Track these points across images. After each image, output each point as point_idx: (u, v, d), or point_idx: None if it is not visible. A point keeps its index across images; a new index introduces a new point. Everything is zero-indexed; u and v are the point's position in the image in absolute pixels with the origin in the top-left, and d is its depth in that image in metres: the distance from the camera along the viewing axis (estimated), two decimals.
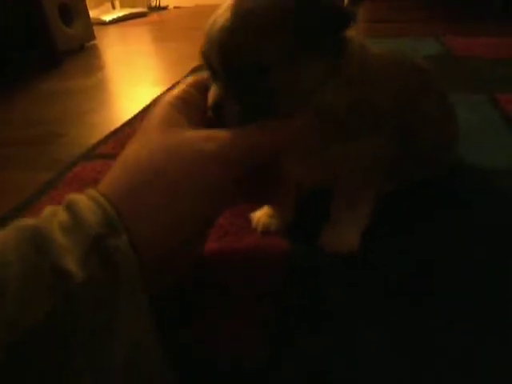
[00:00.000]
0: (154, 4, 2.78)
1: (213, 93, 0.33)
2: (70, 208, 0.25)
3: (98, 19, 2.29)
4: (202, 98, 0.34)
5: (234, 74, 0.32)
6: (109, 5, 2.69)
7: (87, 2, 1.70)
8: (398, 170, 0.43)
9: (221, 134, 0.30)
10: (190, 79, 0.36)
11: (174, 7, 2.80)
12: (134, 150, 0.29)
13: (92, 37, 1.71)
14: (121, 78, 1.19)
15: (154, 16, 2.53)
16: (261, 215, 0.45)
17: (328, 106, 0.35)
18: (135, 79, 1.15)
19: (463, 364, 0.30)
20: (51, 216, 0.24)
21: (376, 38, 1.33)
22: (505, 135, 0.63)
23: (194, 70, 1.09)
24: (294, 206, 0.46)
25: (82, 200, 0.25)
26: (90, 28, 1.69)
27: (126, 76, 1.20)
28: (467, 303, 0.35)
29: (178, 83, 1.02)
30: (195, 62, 1.15)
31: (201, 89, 0.35)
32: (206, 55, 0.34)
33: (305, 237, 0.43)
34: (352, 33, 0.37)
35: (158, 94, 0.93)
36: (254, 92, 0.32)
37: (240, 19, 0.31)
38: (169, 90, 0.93)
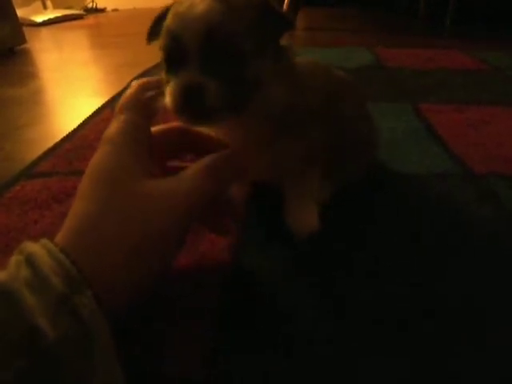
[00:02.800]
0: (90, 6, 2.67)
1: (185, 77, 0.32)
2: (31, 263, 0.25)
3: (28, 19, 2.16)
4: (142, 120, 0.34)
5: (214, 59, 0.32)
6: (39, 4, 2.54)
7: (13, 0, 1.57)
8: (332, 169, 0.48)
9: (181, 189, 0.31)
10: (123, 102, 0.35)
11: (112, 10, 2.71)
12: (90, 206, 0.29)
13: (22, 40, 1.60)
14: (57, 88, 1.14)
15: (91, 19, 2.44)
16: None
17: (269, 105, 0.38)
18: (72, 89, 1.11)
19: None
20: (16, 270, 0.24)
21: (313, 46, 1.40)
22: (426, 143, 0.70)
23: (133, 80, 1.08)
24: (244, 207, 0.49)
25: (41, 256, 0.25)
26: (19, 30, 1.58)
27: (62, 85, 1.15)
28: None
29: (118, 94, 1.00)
30: (135, 70, 1.14)
31: (137, 108, 0.34)
32: (178, 34, 0.32)
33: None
34: (288, 42, 0.41)
35: (97, 105, 0.91)
36: (232, 79, 0.32)
37: (226, 5, 0.32)
38: (110, 101, 0.92)
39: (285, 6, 1.73)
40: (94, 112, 0.87)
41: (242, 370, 0.32)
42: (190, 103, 0.32)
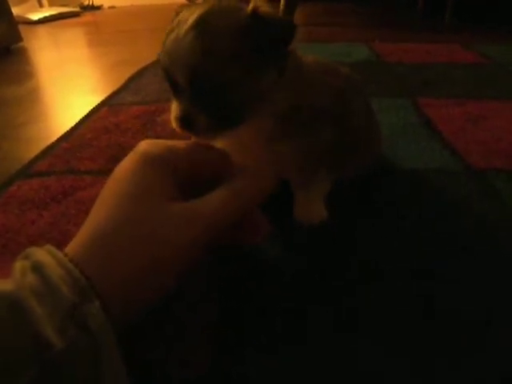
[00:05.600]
0: (86, 3, 2.65)
1: (177, 106, 0.36)
2: (39, 271, 0.24)
3: (24, 17, 2.15)
4: (187, 165, 0.34)
5: (200, 90, 0.35)
6: (34, 1, 2.52)
7: None
8: (338, 163, 0.50)
9: (206, 210, 0.31)
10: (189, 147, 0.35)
11: (109, 7, 2.69)
12: (108, 219, 0.29)
13: (18, 38, 1.59)
14: (54, 87, 1.14)
15: (87, 16, 2.42)
16: None
17: (273, 109, 0.40)
18: (70, 87, 1.11)
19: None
20: (22, 277, 0.24)
21: (312, 42, 1.39)
22: (425, 138, 0.69)
23: (131, 78, 1.07)
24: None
25: (49, 264, 0.25)
26: (15, 28, 1.57)
27: (59, 84, 1.15)
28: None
29: (115, 92, 0.99)
30: (132, 68, 1.13)
31: (191, 157, 0.34)
32: (168, 70, 0.36)
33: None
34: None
35: (95, 103, 0.90)
36: (219, 104, 0.36)
37: (205, 41, 0.33)
38: (107, 99, 0.92)
39: (282, 3, 1.72)
40: (92, 110, 0.87)
41: (245, 369, 0.32)
42: (186, 129, 0.37)
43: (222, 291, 0.39)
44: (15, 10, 1.67)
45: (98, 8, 2.68)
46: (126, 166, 0.32)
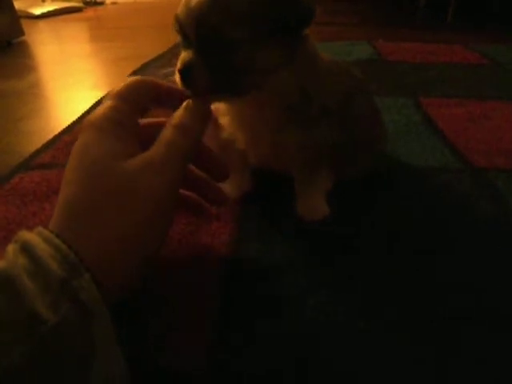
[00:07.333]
0: None
1: (183, 57, 0.37)
2: (28, 251, 0.25)
3: (26, 12, 2.13)
4: (129, 110, 0.34)
5: (206, 45, 0.36)
6: None
7: None
8: (340, 163, 0.51)
9: (160, 156, 0.31)
10: (113, 91, 0.35)
11: (112, 3, 2.69)
12: (74, 192, 0.29)
13: (20, 32, 1.59)
14: (55, 81, 1.13)
15: (90, 12, 2.41)
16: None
17: (280, 89, 0.41)
18: (71, 82, 1.10)
19: None
20: (15, 257, 0.25)
21: (315, 41, 1.39)
22: (426, 137, 0.69)
23: (133, 73, 1.07)
24: (250, 178, 0.53)
25: (37, 243, 0.25)
26: (16, 22, 1.56)
27: (60, 78, 1.14)
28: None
29: (116, 88, 0.99)
30: (134, 63, 1.13)
31: (127, 99, 0.34)
32: (180, 21, 0.37)
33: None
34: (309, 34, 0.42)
35: (97, 98, 0.90)
36: (221, 63, 0.36)
37: None
38: (106, 95, 0.91)
39: None
40: (93, 105, 0.86)
41: (242, 363, 0.32)
42: (184, 81, 0.36)
43: (222, 288, 0.39)
44: (17, 5, 1.66)
45: (101, 3, 2.67)
46: (78, 141, 0.32)
